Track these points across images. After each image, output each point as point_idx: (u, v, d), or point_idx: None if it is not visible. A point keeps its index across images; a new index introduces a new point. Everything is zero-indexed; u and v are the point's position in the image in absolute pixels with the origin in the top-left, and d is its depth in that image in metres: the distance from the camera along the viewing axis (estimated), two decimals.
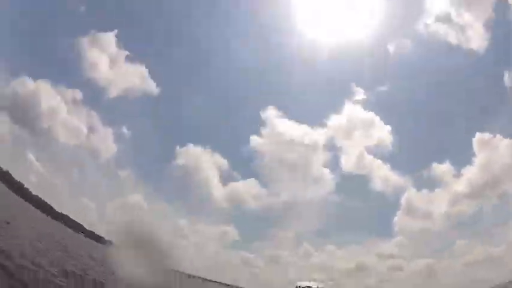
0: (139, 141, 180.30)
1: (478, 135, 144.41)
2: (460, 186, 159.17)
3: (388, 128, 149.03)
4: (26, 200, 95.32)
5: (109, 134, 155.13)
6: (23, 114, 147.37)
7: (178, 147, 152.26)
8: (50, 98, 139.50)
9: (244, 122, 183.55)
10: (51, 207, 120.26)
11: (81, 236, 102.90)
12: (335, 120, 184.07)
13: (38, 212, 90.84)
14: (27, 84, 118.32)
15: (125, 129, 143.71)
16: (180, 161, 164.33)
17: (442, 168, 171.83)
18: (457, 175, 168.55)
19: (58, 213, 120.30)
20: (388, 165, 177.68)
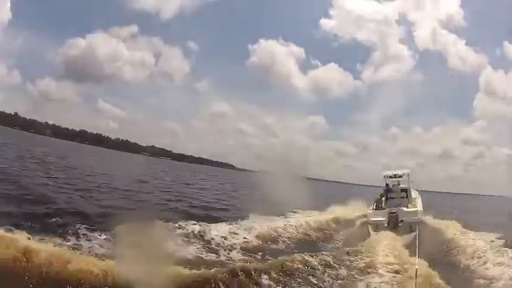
0: (209, 50, 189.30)
1: None
2: None
3: (458, 1, 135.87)
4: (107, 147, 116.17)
5: (177, 54, 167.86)
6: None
7: (250, 45, 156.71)
8: (104, 44, 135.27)
9: (311, 5, 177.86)
10: (136, 144, 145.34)
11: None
12: None
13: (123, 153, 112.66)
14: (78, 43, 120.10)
15: (191, 45, 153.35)
16: (254, 58, 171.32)
17: None
18: None
19: (143, 147, 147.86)
20: (464, 41, 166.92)
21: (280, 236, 13.31)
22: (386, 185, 18.41)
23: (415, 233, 13.42)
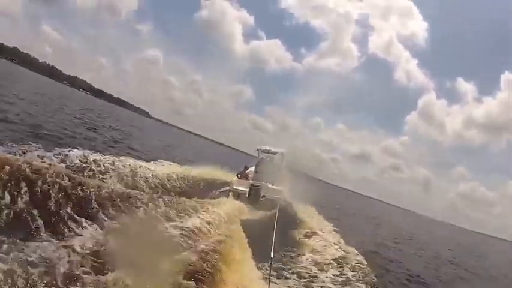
0: None
1: (507, 73, 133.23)
2: (478, 113, 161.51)
3: (426, 24, 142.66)
4: (32, 70, 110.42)
5: None
6: None
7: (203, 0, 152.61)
8: None
9: None
10: (60, 72, 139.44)
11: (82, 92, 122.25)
12: None
13: (44, 78, 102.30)
14: None
15: None
16: (204, 13, 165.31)
17: (466, 86, 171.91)
18: (478, 100, 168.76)
19: (66, 75, 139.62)
20: (416, 61, 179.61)
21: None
22: (262, 158, 18.18)
23: (274, 211, 13.14)
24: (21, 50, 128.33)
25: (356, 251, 11.47)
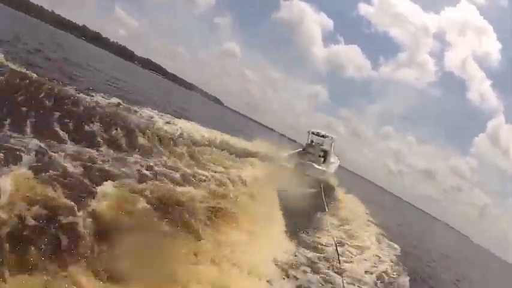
0: None
1: None
2: None
3: (499, 45, 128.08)
4: (103, 48, 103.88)
5: None
6: None
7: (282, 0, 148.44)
8: None
9: None
10: (133, 53, 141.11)
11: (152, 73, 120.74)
12: (449, 12, 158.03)
13: (117, 58, 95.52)
14: None
15: None
16: (283, 13, 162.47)
17: None
18: None
19: (140, 58, 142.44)
20: (489, 82, 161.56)
21: None
22: (311, 141, 18.22)
23: (315, 190, 13.34)
24: (90, 29, 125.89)
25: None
